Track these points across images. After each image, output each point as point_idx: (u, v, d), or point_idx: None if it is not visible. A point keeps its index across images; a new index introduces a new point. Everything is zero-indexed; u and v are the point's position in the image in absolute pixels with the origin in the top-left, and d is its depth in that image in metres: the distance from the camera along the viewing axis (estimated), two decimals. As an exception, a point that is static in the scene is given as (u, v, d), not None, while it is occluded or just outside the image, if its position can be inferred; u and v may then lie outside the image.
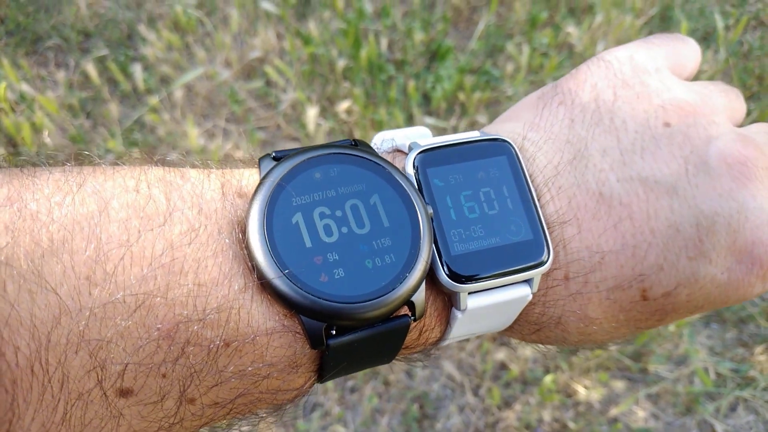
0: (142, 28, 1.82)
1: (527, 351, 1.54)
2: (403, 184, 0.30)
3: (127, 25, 1.91)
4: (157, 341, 0.24)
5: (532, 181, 0.33)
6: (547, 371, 1.47)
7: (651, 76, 0.34)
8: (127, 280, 0.24)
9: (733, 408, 1.37)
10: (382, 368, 1.51)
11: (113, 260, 0.24)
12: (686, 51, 0.37)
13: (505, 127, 0.36)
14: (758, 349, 1.43)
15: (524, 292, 0.32)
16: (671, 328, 1.49)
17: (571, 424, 1.35)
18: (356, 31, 1.64)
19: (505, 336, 0.37)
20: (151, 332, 0.24)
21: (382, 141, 0.35)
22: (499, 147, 0.33)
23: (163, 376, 0.25)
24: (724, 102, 0.35)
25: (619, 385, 1.41)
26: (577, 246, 0.32)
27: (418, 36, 1.65)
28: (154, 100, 1.76)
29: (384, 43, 1.70)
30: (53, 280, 0.23)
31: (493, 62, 1.67)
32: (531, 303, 0.33)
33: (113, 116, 1.75)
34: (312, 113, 1.63)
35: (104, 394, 0.24)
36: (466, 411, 1.43)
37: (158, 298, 0.24)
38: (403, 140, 0.34)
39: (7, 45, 1.90)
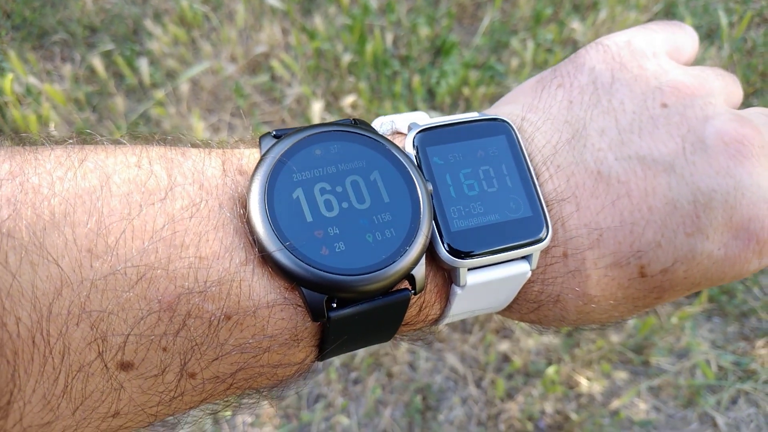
0: (148, 23, 1.83)
1: (530, 342, 1.55)
2: (403, 161, 0.30)
3: (133, 20, 1.92)
4: (158, 313, 0.24)
5: (530, 160, 0.33)
6: (549, 363, 1.48)
7: (649, 60, 0.35)
8: (128, 252, 0.24)
9: (734, 401, 1.38)
10: (386, 360, 1.52)
11: (114, 233, 0.24)
12: (684, 37, 0.38)
13: (504, 110, 0.37)
14: (760, 342, 1.44)
15: (523, 269, 0.32)
16: (673, 320, 1.50)
17: (574, 416, 1.36)
18: (361, 27, 1.65)
19: (504, 316, 0.38)
20: (152, 304, 0.24)
21: (381, 124, 0.36)
22: (497, 126, 0.33)
23: (164, 349, 0.25)
24: (721, 85, 0.35)
25: (621, 377, 1.42)
26: (576, 223, 0.32)
27: (423, 31, 1.66)
28: (159, 94, 1.77)
29: (389, 38, 1.71)
30: (55, 252, 0.23)
31: (498, 58, 1.68)
32: (530, 280, 0.34)
33: (119, 110, 1.76)
34: (317, 107, 1.64)
35: (105, 366, 0.24)
36: (469, 403, 1.44)
37: (159, 271, 0.24)
38: (403, 122, 0.35)
39: (14, 39, 1.91)
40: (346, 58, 1.68)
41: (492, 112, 0.36)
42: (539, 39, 1.69)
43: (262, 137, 0.30)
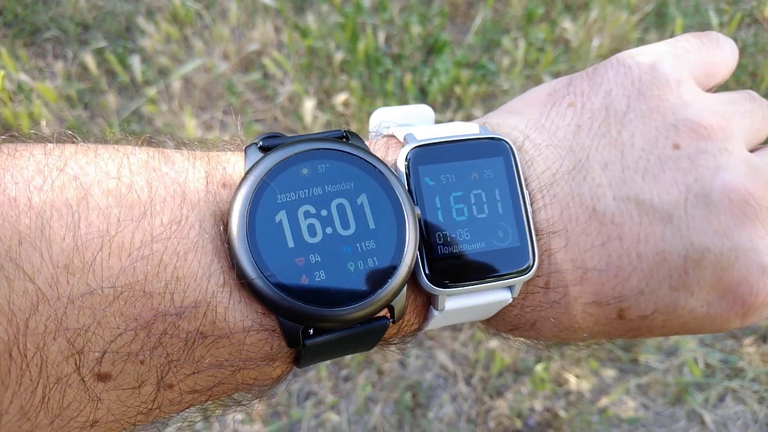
0: (141, 21, 1.83)
1: (519, 339, 1.55)
2: (392, 184, 0.29)
3: (125, 17, 1.92)
4: (134, 331, 0.24)
5: (527, 186, 0.32)
6: (538, 360, 1.49)
7: (671, 90, 0.32)
8: (105, 270, 0.24)
9: (721, 398, 1.39)
10: (376, 357, 1.52)
11: (92, 250, 0.24)
12: (719, 57, 0.35)
13: (508, 121, 0.35)
14: (747, 340, 1.45)
15: (504, 297, 0.32)
16: (662, 320, 1.51)
17: (562, 413, 1.37)
18: (354, 25, 1.66)
19: (480, 325, 0.38)
20: (129, 322, 0.24)
21: (380, 124, 0.35)
22: (496, 147, 0.32)
23: (141, 362, 0.25)
24: (746, 125, 0.33)
25: (609, 374, 1.43)
26: (562, 258, 0.31)
27: (416, 30, 1.66)
28: (152, 91, 1.77)
29: (381, 36, 1.71)
30: (30, 268, 0.23)
31: (490, 56, 1.68)
32: (509, 305, 0.33)
33: (111, 107, 1.76)
34: (309, 105, 1.64)
35: (82, 379, 0.24)
36: (459, 400, 1.45)
37: (136, 290, 0.24)
38: (400, 131, 0.33)
39: (5, 36, 1.91)
40: (339, 56, 1.68)
41: (495, 121, 0.35)
42: (531, 38, 1.70)
43: (247, 147, 0.29)
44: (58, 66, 1.85)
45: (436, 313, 0.31)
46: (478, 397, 1.44)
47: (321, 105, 1.71)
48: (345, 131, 0.31)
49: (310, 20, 1.72)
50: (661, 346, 1.47)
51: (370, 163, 0.29)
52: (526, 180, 0.32)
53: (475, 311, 0.33)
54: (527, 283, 0.32)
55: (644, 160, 0.31)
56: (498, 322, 0.35)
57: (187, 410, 0.29)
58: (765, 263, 0.30)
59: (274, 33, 1.79)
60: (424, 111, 0.36)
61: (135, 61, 1.79)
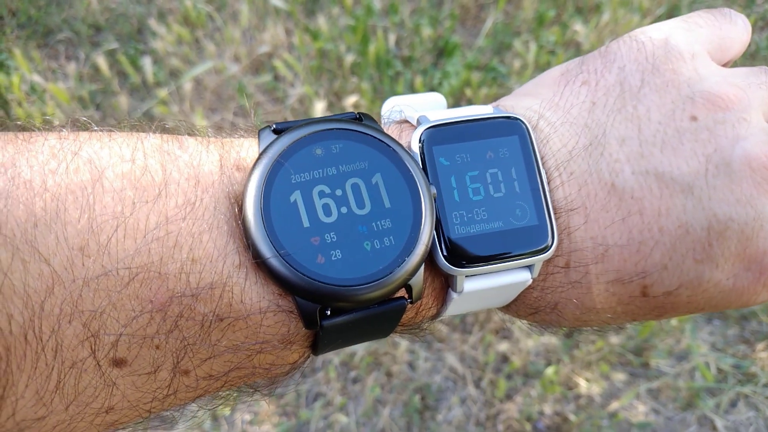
0: (153, 23, 1.84)
1: (529, 343, 1.55)
2: (407, 164, 0.29)
3: (137, 19, 1.93)
4: (150, 313, 0.24)
5: (543, 164, 0.32)
6: (548, 363, 1.49)
7: (685, 63, 0.32)
8: (120, 252, 0.24)
9: (733, 404, 1.38)
10: (385, 359, 1.52)
11: (107, 232, 0.24)
12: (732, 32, 0.34)
13: (522, 103, 0.34)
14: (760, 345, 1.44)
15: (524, 277, 0.31)
16: (673, 322, 1.50)
17: (572, 417, 1.36)
18: (364, 28, 1.66)
19: (501, 312, 0.37)
20: (144, 305, 0.24)
21: (391, 110, 0.34)
22: (511, 125, 0.32)
23: (157, 347, 0.25)
24: (763, 96, 0.32)
25: (620, 378, 1.42)
26: (582, 236, 0.31)
27: (426, 32, 1.66)
28: (163, 92, 1.78)
29: (392, 39, 1.71)
30: (46, 250, 0.23)
31: (500, 59, 1.68)
32: (529, 287, 0.33)
33: (122, 108, 1.77)
34: (319, 107, 1.65)
35: (98, 363, 0.24)
36: (468, 403, 1.44)
37: (151, 272, 0.24)
38: (413, 112, 0.33)
39: (19, 38, 1.93)
40: (349, 58, 1.68)
41: (509, 104, 0.35)
42: (542, 41, 1.69)
43: (261, 131, 0.29)
44: (71, 67, 1.87)
45: (454, 295, 0.31)
46: (487, 400, 1.44)
47: (331, 107, 1.71)
48: (359, 113, 0.31)
49: (321, 22, 1.73)
50: (672, 350, 1.46)
51: (384, 143, 0.29)
52: (542, 158, 0.32)
53: (495, 294, 0.32)
54: (547, 263, 0.32)
55: (662, 133, 0.31)
56: (518, 307, 0.35)
57: (203, 398, 0.29)
58: None
59: (285, 35, 1.79)
60: (436, 98, 0.36)
61: (146, 63, 1.80)
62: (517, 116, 0.32)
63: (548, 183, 0.31)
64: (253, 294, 0.26)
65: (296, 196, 0.27)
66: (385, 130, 0.33)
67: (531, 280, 0.32)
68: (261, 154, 0.27)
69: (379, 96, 1.69)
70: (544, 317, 0.34)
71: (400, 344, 1.55)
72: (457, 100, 1.66)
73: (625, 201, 0.30)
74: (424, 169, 0.30)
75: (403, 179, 0.29)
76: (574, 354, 1.53)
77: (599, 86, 0.32)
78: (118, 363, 0.24)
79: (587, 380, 1.42)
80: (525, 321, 0.37)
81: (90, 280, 0.23)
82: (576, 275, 0.31)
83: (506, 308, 0.36)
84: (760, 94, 0.32)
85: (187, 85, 1.80)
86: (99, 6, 1.95)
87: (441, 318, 0.33)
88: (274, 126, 0.29)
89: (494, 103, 0.36)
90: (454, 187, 0.30)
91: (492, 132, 0.32)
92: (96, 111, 1.85)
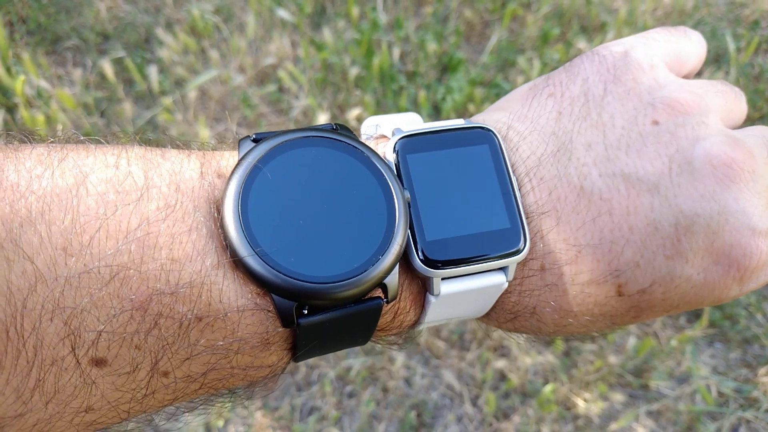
0: (160, 32, 1.85)
1: (527, 361, 1.53)
2: (380, 169, 0.30)
3: (145, 28, 1.95)
4: (130, 312, 0.25)
5: (513, 171, 0.33)
6: (546, 382, 1.47)
7: (645, 73, 0.34)
8: (102, 251, 0.24)
9: (734, 429, 1.36)
10: (382, 374, 1.50)
11: (89, 232, 0.24)
12: (688, 46, 0.36)
13: (492, 116, 0.36)
14: (762, 370, 1.42)
15: (499, 280, 0.32)
16: (673, 343, 1.48)
17: (570, 438, 1.34)
18: (369, 41, 1.67)
19: (482, 323, 0.37)
20: (124, 303, 0.24)
21: (368, 126, 0.36)
22: (481, 135, 0.33)
23: (137, 347, 0.25)
24: (720, 103, 0.34)
25: (619, 399, 1.40)
26: (555, 237, 0.32)
27: (431, 47, 1.67)
28: (167, 101, 1.79)
29: (396, 53, 1.72)
30: (30, 249, 0.23)
31: (504, 76, 1.69)
32: (507, 291, 0.33)
33: (127, 115, 1.78)
34: (323, 119, 1.65)
35: (78, 361, 0.24)
36: (464, 421, 1.42)
37: (132, 271, 0.25)
38: (389, 126, 0.34)
39: (28, 44, 1.94)
40: (353, 71, 1.69)
41: (480, 119, 0.36)
42: (546, 58, 1.70)
43: (241, 140, 0.30)
44: (77, 74, 1.88)
45: (432, 299, 0.32)
46: (484, 419, 1.42)
47: (335, 119, 1.72)
48: (335, 124, 0.32)
49: (327, 35, 1.74)
50: (672, 372, 1.44)
51: (359, 149, 0.30)
52: (512, 165, 0.33)
53: (473, 298, 0.33)
54: (522, 266, 0.33)
55: (626, 137, 0.32)
56: (498, 313, 0.35)
57: (180, 401, 0.29)
58: (754, 224, 0.31)
59: (291, 47, 1.80)
60: (412, 117, 0.37)
61: (152, 71, 1.81)
62: (488, 126, 0.33)
63: (519, 188, 0.33)
64: (231, 293, 0.26)
65: (273, 197, 0.28)
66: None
67: (506, 283, 0.32)
68: (240, 160, 0.28)
69: (382, 109, 1.69)
70: (523, 323, 0.35)
71: (397, 359, 1.54)
72: (460, 115, 1.66)
73: (594, 202, 0.31)
74: (399, 175, 0.31)
75: (377, 183, 0.30)
76: (572, 373, 1.52)
77: (564, 97, 0.34)
78: (98, 362, 0.25)
79: (585, 400, 1.40)
80: (506, 331, 0.37)
81: (72, 278, 0.24)
82: (551, 277, 0.32)
83: (487, 317, 0.36)
84: (717, 101, 0.34)
85: (192, 94, 1.81)
86: (107, 15, 1.97)
87: (421, 325, 0.34)
88: (254, 135, 0.30)
89: (464, 119, 0.37)
90: (427, 192, 0.31)
91: (463, 141, 0.33)
92: (100, 118, 1.86)
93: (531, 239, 0.32)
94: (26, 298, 0.23)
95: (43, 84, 1.77)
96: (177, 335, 0.26)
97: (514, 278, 0.33)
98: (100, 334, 0.24)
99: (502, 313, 0.35)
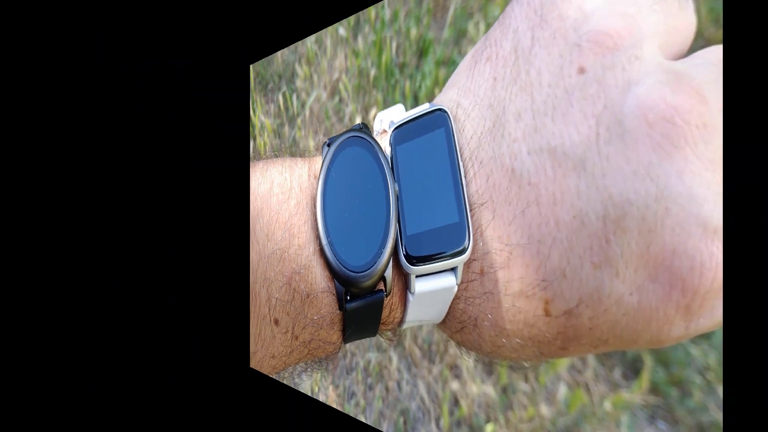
0: (297, 66, 2.31)
1: (474, 388, 1.31)
2: (383, 164, 0.31)
3: (290, 66, 2.45)
4: (285, 286, 0.30)
5: (461, 155, 0.29)
6: (488, 419, 1.24)
7: (570, 4, 0.27)
8: (276, 238, 0.30)
9: None
10: (385, 373, 1.57)
11: (273, 224, 0.30)
12: None
13: (446, 95, 0.32)
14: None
15: (450, 282, 0.29)
16: (606, 406, 0.99)
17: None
18: (380, 40, 1.69)
19: (442, 330, 0.35)
20: (282, 278, 0.30)
21: (376, 123, 0.37)
22: (438, 118, 0.30)
23: (287, 313, 0.30)
24: (658, 20, 0.26)
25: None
26: (491, 234, 0.27)
27: (413, 33, 1.56)
28: (298, 120, 2.25)
29: (394, 47, 1.67)
30: (253, 236, 0.30)
31: (459, 50, 1.41)
32: (456, 297, 0.30)
33: (285, 135, 2.33)
34: (359, 121, 1.77)
35: (270, 319, 0.30)
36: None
37: (285, 254, 0.30)
38: (386, 120, 0.35)
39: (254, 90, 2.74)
40: (372, 72, 1.74)
41: (438, 99, 0.33)
42: (489, 18, 1.32)
43: (322, 146, 0.33)
44: (271, 107, 2.55)
45: (410, 297, 0.30)
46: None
47: (364, 120, 1.80)
48: (362, 123, 0.34)
49: (360, 42, 1.84)
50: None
51: (372, 145, 0.32)
52: (460, 149, 0.29)
53: (435, 301, 0.31)
54: (467, 267, 0.29)
55: (552, 97, 0.26)
56: (450, 321, 0.32)
57: (300, 363, 0.34)
58: (705, 217, 0.23)
59: (345, 59, 1.97)
60: (399, 108, 0.37)
61: (294, 99, 2.30)
62: (441, 106, 0.30)
63: (465, 175, 0.28)
64: (319, 276, 0.30)
65: (333, 193, 0.31)
66: None
67: (456, 286, 0.29)
68: (322, 165, 0.32)
69: (387, 106, 1.68)
70: (467, 336, 0.31)
71: (393, 359, 1.57)
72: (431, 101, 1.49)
73: (523, 189, 0.26)
74: (393, 168, 0.31)
75: (381, 177, 0.31)
76: (508, 416, 1.21)
77: (499, 58, 0.29)
78: (276, 322, 0.30)
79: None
80: (456, 343, 0.34)
81: (270, 257, 0.30)
82: (489, 283, 0.28)
83: (443, 324, 0.33)
84: (653, 18, 0.26)
85: (306, 113, 2.20)
86: (282, 62, 2.57)
87: (404, 324, 0.33)
88: (328, 141, 0.33)
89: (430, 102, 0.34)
90: (408, 184, 0.30)
91: (427, 127, 0.31)
92: (276, 138, 2.48)
93: (473, 236, 0.28)
94: (256, 270, 0.30)
95: (261, 118, 2.50)
96: (301, 308, 0.30)
97: (461, 281, 0.29)
98: (276, 300, 0.30)
99: (453, 322, 0.31)
